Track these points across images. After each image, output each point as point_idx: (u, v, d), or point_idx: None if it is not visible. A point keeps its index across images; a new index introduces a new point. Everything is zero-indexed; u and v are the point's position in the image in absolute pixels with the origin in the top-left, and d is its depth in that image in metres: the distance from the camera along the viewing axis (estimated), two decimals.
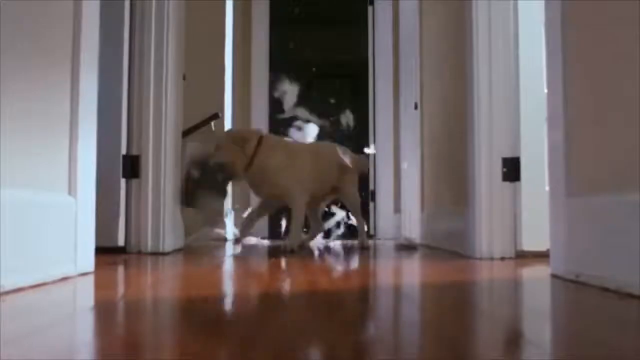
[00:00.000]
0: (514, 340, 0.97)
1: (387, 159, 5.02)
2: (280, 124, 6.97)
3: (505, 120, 2.49)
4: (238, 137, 3.14)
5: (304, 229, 3.31)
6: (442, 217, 3.16)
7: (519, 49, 2.49)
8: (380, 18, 5.17)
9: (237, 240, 3.42)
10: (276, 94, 6.00)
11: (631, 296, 1.35)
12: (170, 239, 2.86)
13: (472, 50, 2.53)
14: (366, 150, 4.96)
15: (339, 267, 2.23)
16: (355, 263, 2.42)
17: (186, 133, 3.43)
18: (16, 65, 1.52)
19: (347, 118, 7.98)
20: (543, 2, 1.98)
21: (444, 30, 3.28)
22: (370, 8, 5.36)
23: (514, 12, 2.52)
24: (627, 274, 1.40)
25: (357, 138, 7.03)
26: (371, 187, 5.28)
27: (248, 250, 3.19)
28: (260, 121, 5.39)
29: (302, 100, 8.21)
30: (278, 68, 6.00)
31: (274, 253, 2.94)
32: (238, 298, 1.43)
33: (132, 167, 2.82)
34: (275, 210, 3.56)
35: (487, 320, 1.16)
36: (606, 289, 1.46)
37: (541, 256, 2.22)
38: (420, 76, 3.84)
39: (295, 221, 3.08)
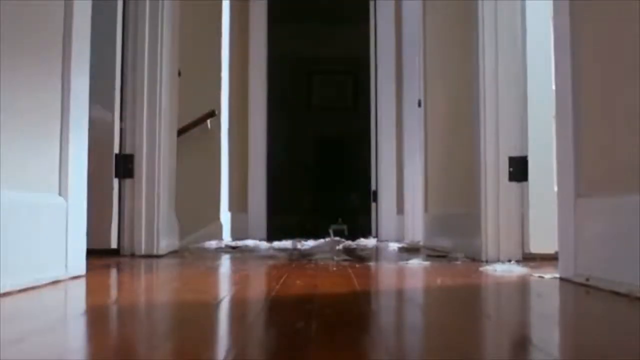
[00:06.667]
0: (521, 346, 0.95)
1: (390, 159, 4.97)
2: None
3: (512, 118, 2.47)
4: None
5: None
6: (447, 219, 3.13)
7: (526, 46, 2.48)
8: (382, 14, 5.13)
9: None
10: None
11: None
12: (165, 241, 2.84)
13: (478, 48, 2.52)
14: None
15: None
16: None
17: (182, 131, 3.40)
18: (5, 64, 1.51)
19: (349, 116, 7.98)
20: None
21: (449, 26, 3.26)
22: (372, 4, 5.32)
23: (521, 8, 2.51)
24: (638, 277, 1.39)
25: (359, 137, 7.00)
26: (373, 187, 5.23)
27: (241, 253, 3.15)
28: (258, 119, 5.35)
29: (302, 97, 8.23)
30: (277, 64, 5.97)
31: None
32: (234, 302, 1.40)
33: (125, 166, 2.80)
34: None
35: (494, 325, 1.15)
36: (617, 293, 1.45)
37: (550, 259, 2.22)
38: (424, 73, 3.81)
39: None
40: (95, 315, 1.24)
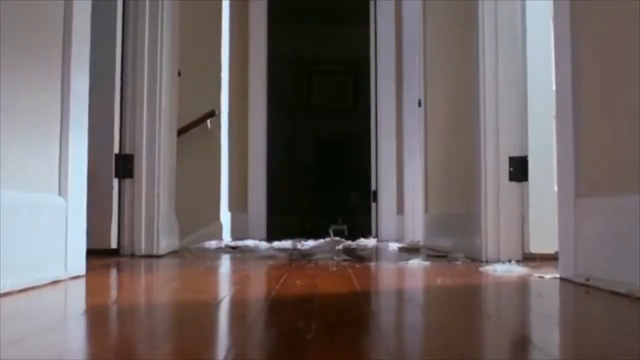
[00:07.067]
0: (521, 346, 0.95)
1: (390, 159, 4.97)
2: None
3: (512, 118, 2.46)
4: None
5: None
6: (447, 219, 3.12)
7: (527, 46, 2.47)
8: (382, 14, 5.12)
9: None
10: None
11: None
12: (165, 241, 2.83)
13: (478, 48, 2.51)
14: None
15: None
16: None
17: (182, 131, 3.39)
18: (5, 64, 1.51)
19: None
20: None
21: (449, 26, 3.25)
22: (372, 4, 5.31)
23: (521, 8, 2.50)
24: (638, 277, 1.39)
25: (359, 137, 6.99)
26: (373, 187, 5.22)
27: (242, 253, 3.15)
28: (258, 119, 5.34)
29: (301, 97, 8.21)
30: (277, 64, 5.95)
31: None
32: (234, 302, 1.39)
33: (125, 166, 2.79)
34: None
35: (494, 325, 1.14)
36: (617, 293, 1.45)
37: (550, 259, 2.21)
38: (424, 73, 3.81)
39: None
40: (95, 315, 1.23)
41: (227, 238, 4.53)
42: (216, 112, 4.10)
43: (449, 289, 1.65)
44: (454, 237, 2.89)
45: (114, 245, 2.74)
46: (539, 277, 1.85)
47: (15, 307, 1.30)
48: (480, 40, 2.49)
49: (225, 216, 4.65)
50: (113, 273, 2.12)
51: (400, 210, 4.73)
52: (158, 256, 2.73)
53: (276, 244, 3.78)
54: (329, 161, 8.15)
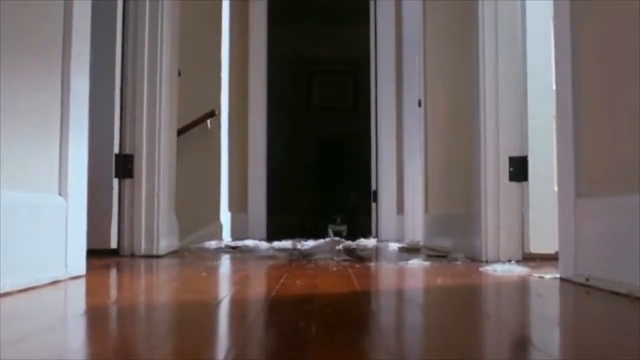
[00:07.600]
0: (521, 346, 0.95)
1: (390, 159, 4.97)
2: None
3: (513, 118, 2.47)
4: None
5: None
6: (447, 219, 3.12)
7: (527, 46, 2.47)
8: (382, 14, 5.12)
9: None
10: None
11: None
12: (165, 241, 2.83)
13: (478, 48, 2.52)
14: None
15: None
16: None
17: (182, 131, 3.40)
18: (5, 64, 1.51)
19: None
20: None
21: (449, 26, 3.25)
22: (372, 4, 5.31)
23: (521, 8, 2.50)
24: (638, 277, 1.39)
25: (359, 137, 6.99)
26: (373, 187, 5.22)
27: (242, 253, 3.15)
28: (258, 119, 5.34)
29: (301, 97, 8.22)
30: (277, 64, 5.94)
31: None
32: (234, 302, 1.39)
33: (125, 166, 2.79)
34: None
35: (494, 325, 1.14)
36: (617, 293, 1.45)
37: (550, 259, 2.21)
38: (424, 73, 3.81)
39: None
40: (95, 315, 1.24)
41: (227, 238, 4.53)
42: (216, 112, 4.11)
43: (449, 289, 1.65)
44: (454, 237, 2.89)
45: (114, 245, 2.73)
46: (539, 277, 1.85)
47: (15, 307, 1.30)
48: (480, 40, 2.49)
49: (225, 216, 4.65)
50: (113, 273, 2.12)
51: (400, 210, 4.73)
52: (158, 256, 2.73)
53: (276, 244, 3.78)
54: (329, 161, 8.15)
